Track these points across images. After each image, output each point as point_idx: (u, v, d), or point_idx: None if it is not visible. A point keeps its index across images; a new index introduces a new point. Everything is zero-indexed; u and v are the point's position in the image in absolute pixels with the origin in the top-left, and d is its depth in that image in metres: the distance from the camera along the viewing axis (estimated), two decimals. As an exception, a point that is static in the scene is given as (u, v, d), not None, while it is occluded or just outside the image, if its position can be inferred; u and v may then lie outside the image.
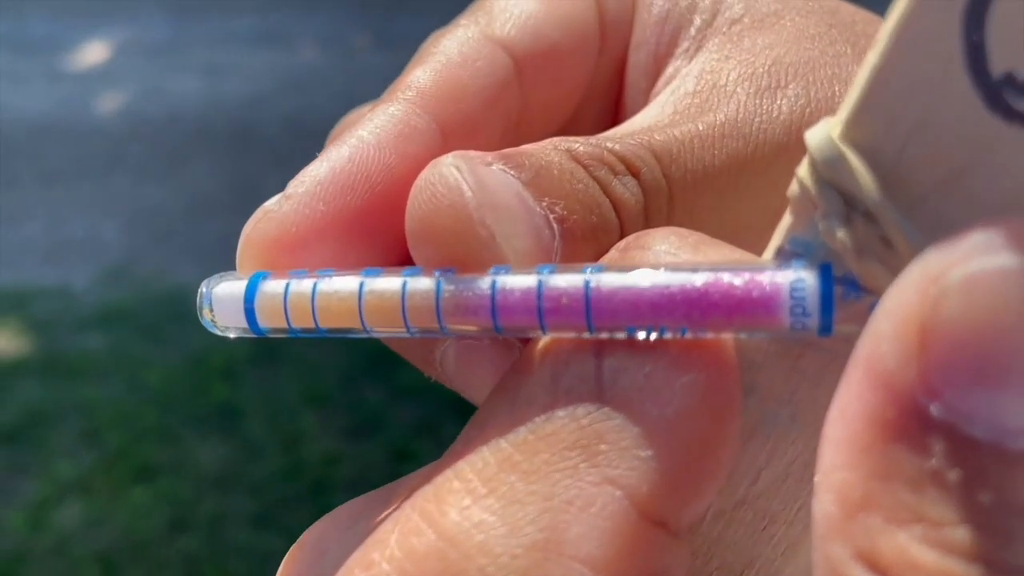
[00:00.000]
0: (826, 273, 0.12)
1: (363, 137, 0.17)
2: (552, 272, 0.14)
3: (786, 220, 0.13)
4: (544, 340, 0.15)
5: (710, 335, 0.13)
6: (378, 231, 0.17)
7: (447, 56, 0.19)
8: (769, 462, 0.15)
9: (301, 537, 0.17)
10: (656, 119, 0.19)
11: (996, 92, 0.11)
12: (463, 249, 0.15)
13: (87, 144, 2.21)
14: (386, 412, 1.45)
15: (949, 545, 0.10)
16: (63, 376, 1.53)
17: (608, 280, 0.13)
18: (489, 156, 0.16)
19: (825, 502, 0.12)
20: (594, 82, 0.22)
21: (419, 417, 1.43)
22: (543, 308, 0.14)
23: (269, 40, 2.66)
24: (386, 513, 0.16)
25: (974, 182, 0.12)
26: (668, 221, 0.17)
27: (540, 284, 0.14)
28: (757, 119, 0.18)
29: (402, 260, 0.18)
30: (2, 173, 2.11)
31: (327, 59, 2.58)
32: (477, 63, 0.19)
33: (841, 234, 0.12)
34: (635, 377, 0.13)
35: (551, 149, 0.17)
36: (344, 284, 0.15)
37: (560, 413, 0.13)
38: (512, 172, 0.16)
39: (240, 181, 2.03)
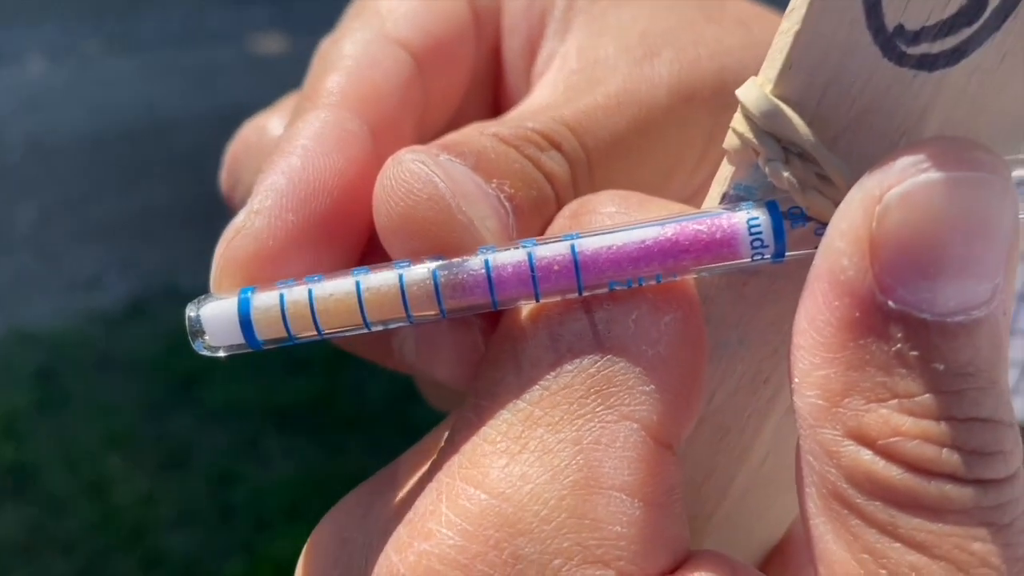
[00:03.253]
0: (773, 208, 0.15)
1: (307, 146, 0.17)
2: (535, 245, 0.15)
3: (726, 169, 0.16)
4: (529, 308, 0.16)
5: (678, 278, 0.15)
6: (340, 233, 0.17)
7: (355, 60, 0.19)
8: (723, 381, 0.18)
9: (312, 536, 0.17)
10: (551, 97, 0.21)
11: (890, 42, 0.14)
12: (447, 236, 0.16)
13: None
14: (197, 438, 1.38)
15: (920, 410, 0.13)
16: None
17: (589, 243, 0.15)
18: (433, 148, 0.17)
19: (810, 397, 0.14)
20: (475, 69, 0.23)
21: (235, 437, 1.38)
22: (536, 277, 0.15)
23: (-7, 59, 2.39)
24: (401, 493, 0.16)
25: (876, 118, 0.15)
26: (591, 188, 0.19)
27: (530, 256, 0.15)
28: (644, 85, 0.20)
29: (362, 257, 0.18)
30: None
31: (61, 70, 2.36)
32: (384, 64, 0.20)
33: (786, 174, 0.14)
34: (625, 324, 0.15)
35: (478, 135, 0.18)
36: (339, 286, 0.15)
37: (568, 367, 0.15)
38: (458, 161, 0.17)
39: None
